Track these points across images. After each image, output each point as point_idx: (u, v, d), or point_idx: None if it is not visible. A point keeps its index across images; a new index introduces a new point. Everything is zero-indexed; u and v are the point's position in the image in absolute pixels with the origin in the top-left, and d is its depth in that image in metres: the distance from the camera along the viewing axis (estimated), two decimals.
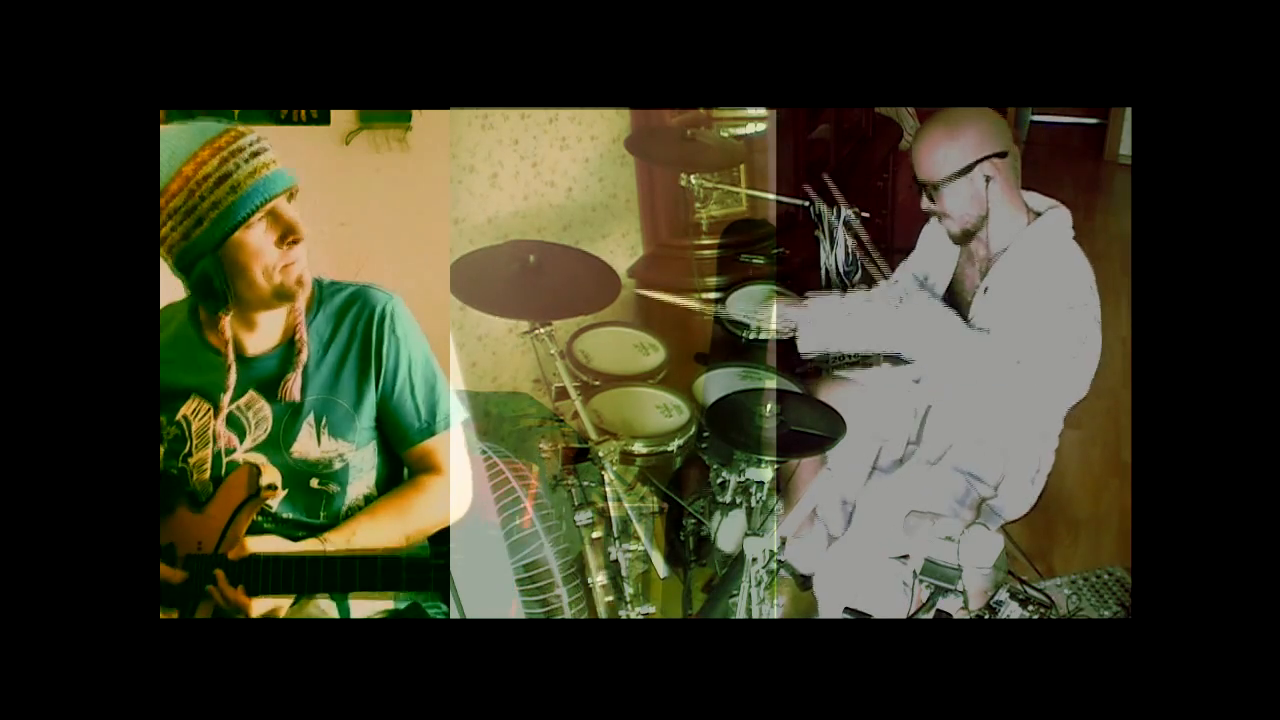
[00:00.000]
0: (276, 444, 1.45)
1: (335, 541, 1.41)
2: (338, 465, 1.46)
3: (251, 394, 1.47)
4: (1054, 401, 1.96)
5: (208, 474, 1.46)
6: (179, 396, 1.48)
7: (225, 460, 1.46)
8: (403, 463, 1.55)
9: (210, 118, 1.42)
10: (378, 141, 2.22)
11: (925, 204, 1.97)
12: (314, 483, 1.46)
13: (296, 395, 1.45)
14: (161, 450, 1.48)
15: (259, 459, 1.45)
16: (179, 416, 1.48)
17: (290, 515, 1.45)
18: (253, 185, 1.37)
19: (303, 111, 2.12)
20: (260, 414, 1.46)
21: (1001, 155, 1.90)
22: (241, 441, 1.46)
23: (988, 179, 1.90)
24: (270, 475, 1.43)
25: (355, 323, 1.49)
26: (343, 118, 2.18)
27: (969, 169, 1.89)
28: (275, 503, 1.44)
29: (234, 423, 1.46)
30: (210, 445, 1.46)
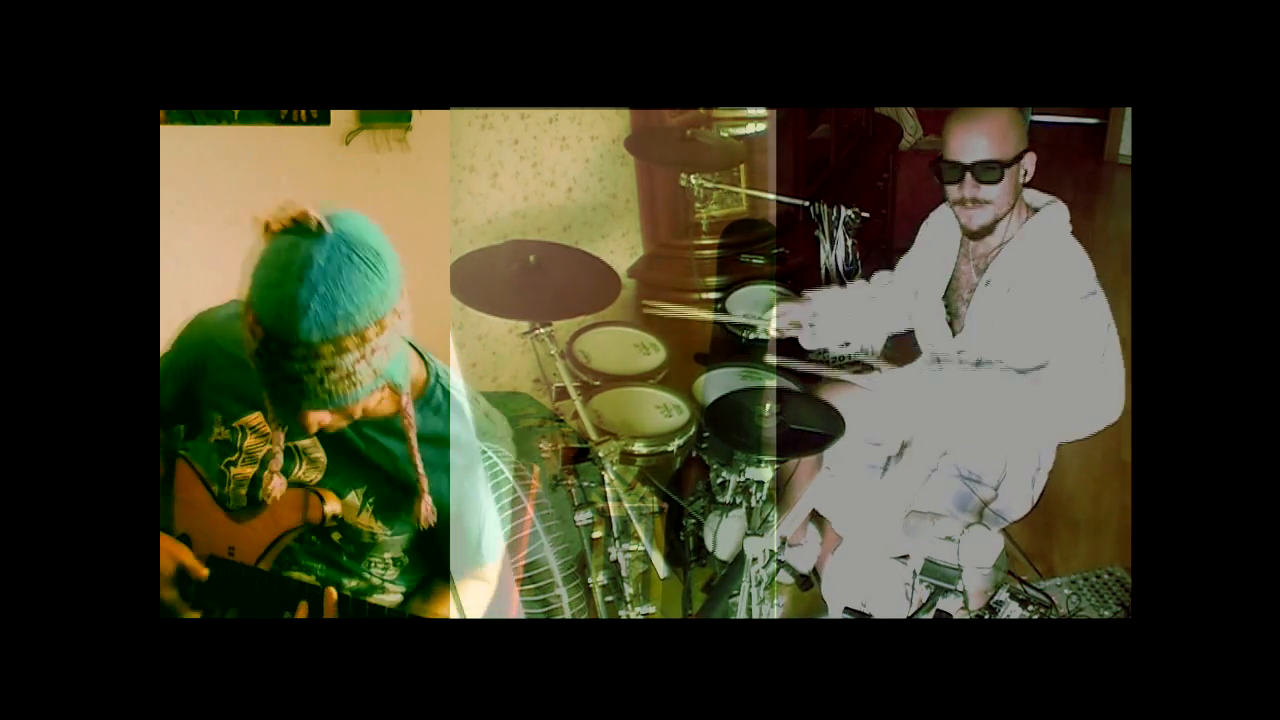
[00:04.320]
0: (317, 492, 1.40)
1: None
2: (365, 539, 1.41)
3: (314, 440, 1.39)
4: (1088, 408, 1.90)
5: (245, 491, 1.41)
6: (248, 405, 1.40)
7: (263, 486, 1.40)
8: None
9: (210, 120, 1.40)
10: (378, 141, 2.22)
11: (968, 189, 1.90)
12: (335, 536, 1.40)
13: (428, 520, 1.37)
14: (210, 441, 1.43)
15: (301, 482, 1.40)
16: (237, 424, 1.41)
17: (319, 546, 1.42)
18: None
19: (303, 111, 2.12)
20: (316, 460, 1.40)
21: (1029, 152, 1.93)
22: (287, 473, 1.40)
23: (1025, 172, 1.92)
24: (333, 505, 1.37)
25: (445, 449, 1.38)
26: (343, 118, 2.18)
27: (1022, 155, 1.90)
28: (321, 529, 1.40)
29: (287, 456, 1.41)
30: (255, 466, 1.41)
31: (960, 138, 1.89)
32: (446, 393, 1.39)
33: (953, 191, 1.93)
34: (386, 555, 1.43)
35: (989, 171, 1.87)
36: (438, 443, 1.38)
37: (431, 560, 1.46)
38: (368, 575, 1.43)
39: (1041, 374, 1.89)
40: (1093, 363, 1.86)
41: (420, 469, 1.34)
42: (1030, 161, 1.91)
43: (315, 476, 1.40)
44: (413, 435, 1.33)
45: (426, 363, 1.40)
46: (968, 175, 1.89)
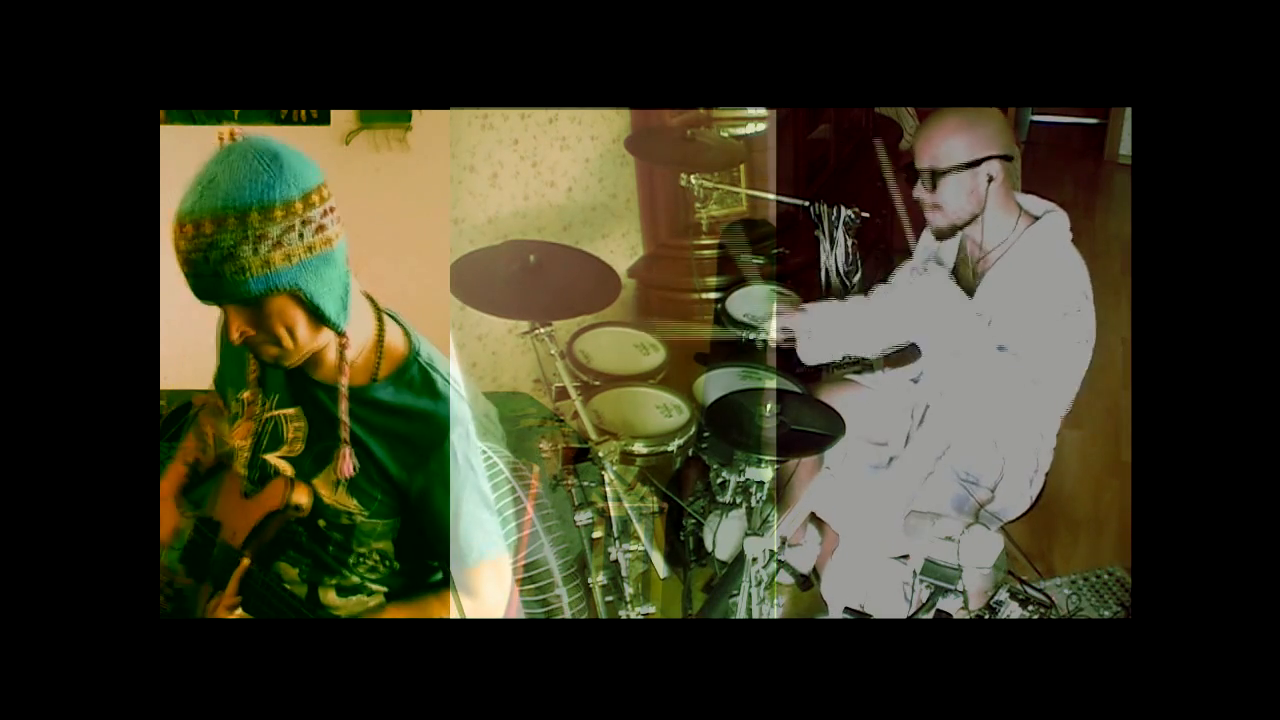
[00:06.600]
0: (303, 468, 1.40)
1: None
2: (344, 520, 1.39)
3: (299, 410, 1.40)
4: (1050, 405, 1.96)
5: (244, 466, 1.44)
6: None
7: (260, 459, 1.42)
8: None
9: (210, 120, 1.40)
10: (378, 141, 2.22)
11: (918, 191, 1.95)
12: (320, 523, 1.40)
13: (348, 471, 1.36)
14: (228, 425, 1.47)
15: (289, 471, 1.40)
16: (237, 396, 1.45)
17: (305, 540, 1.41)
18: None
19: (303, 111, 2.12)
20: (299, 431, 1.40)
21: (1007, 158, 1.90)
22: (277, 448, 1.41)
23: (990, 178, 1.90)
24: (300, 495, 1.38)
25: (416, 424, 1.36)
26: (343, 118, 2.18)
27: (976, 163, 1.88)
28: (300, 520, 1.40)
29: (276, 428, 1.42)
30: (249, 440, 1.44)
31: (919, 143, 1.93)
32: (424, 371, 1.39)
33: (915, 191, 1.97)
34: (374, 550, 1.41)
35: (924, 176, 1.92)
36: (405, 415, 1.37)
37: (419, 565, 1.44)
38: (353, 574, 1.42)
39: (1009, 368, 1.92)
40: (1057, 373, 1.89)
41: (345, 420, 1.35)
42: (995, 168, 1.89)
43: (297, 452, 1.40)
44: (344, 383, 1.34)
45: (409, 335, 1.41)
46: (919, 180, 1.94)
